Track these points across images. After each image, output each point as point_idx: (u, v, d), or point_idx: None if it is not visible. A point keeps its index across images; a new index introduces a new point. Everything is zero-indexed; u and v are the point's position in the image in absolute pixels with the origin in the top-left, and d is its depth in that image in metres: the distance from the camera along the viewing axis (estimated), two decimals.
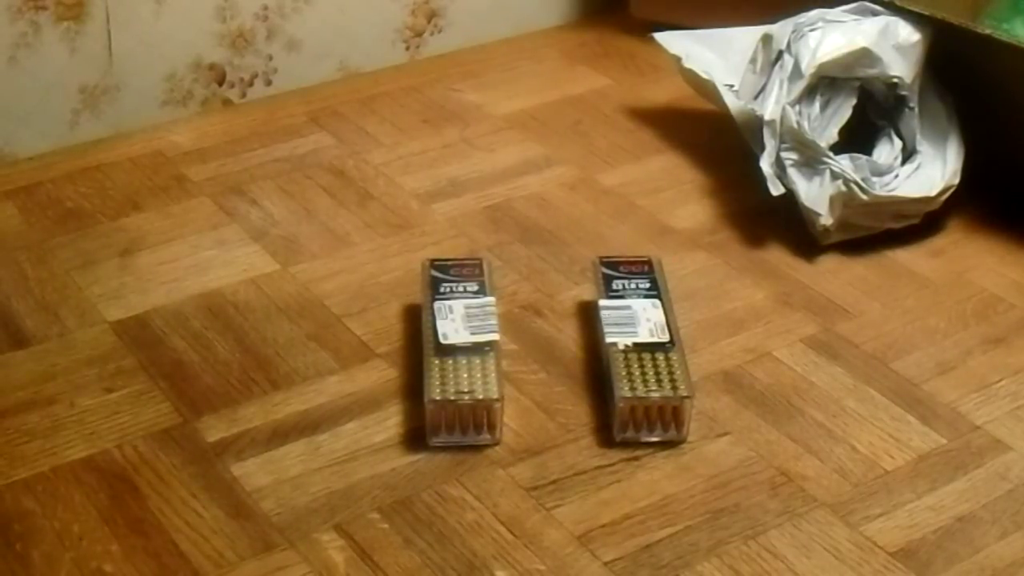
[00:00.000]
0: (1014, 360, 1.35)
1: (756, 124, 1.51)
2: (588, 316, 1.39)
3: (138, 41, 1.66)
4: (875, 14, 1.54)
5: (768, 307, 1.42)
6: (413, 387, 1.28)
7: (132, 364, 1.32)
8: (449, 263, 1.37)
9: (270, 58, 1.77)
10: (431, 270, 1.36)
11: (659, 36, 1.70)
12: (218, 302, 1.41)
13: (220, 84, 1.75)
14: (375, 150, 1.69)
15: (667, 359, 1.26)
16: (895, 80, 1.51)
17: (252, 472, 1.19)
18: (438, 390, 1.21)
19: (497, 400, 1.21)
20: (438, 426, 1.22)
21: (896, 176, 1.52)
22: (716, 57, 1.66)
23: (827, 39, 1.49)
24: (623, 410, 1.23)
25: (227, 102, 1.77)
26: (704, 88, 1.66)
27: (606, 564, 1.11)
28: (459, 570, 1.10)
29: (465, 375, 1.23)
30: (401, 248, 1.50)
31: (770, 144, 1.48)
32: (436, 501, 1.17)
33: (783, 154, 1.49)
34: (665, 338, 1.28)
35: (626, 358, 1.26)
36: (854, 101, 1.51)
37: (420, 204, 1.58)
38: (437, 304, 1.31)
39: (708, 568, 1.11)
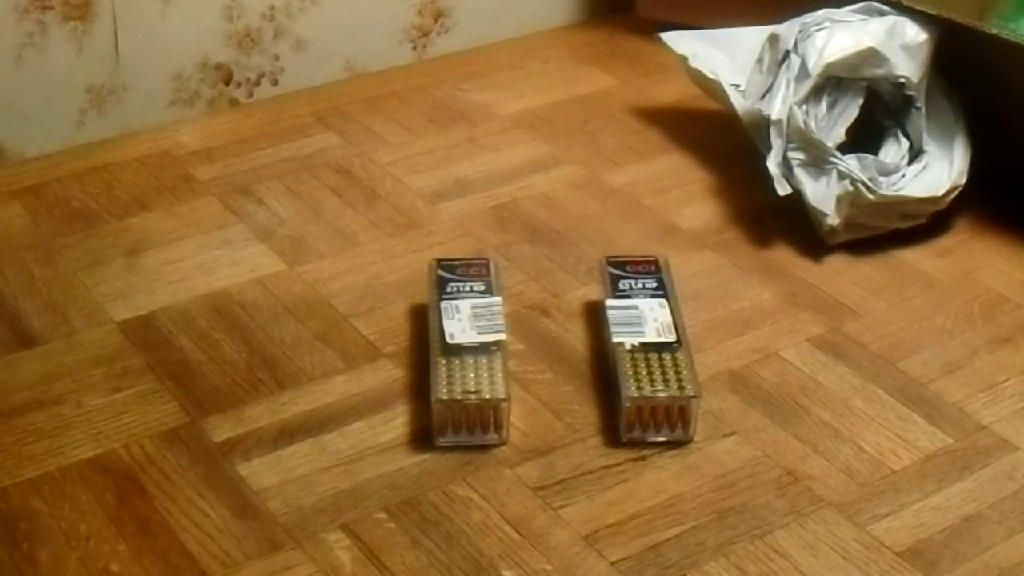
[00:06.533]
0: (1021, 360, 1.35)
1: (763, 124, 1.51)
2: (595, 316, 1.39)
3: (145, 41, 1.66)
4: (882, 14, 1.53)
5: (775, 307, 1.42)
6: (420, 387, 1.28)
7: (139, 364, 1.32)
8: (456, 263, 1.37)
9: (277, 58, 1.78)
10: (438, 270, 1.36)
11: (665, 36, 1.70)
12: (225, 302, 1.41)
13: (227, 84, 1.75)
14: (382, 150, 1.69)
15: (674, 359, 1.26)
16: (902, 80, 1.51)
17: (259, 472, 1.19)
18: (445, 390, 1.21)
19: (504, 400, 1.21)
20: (445, 426, 1.22)
21: (903, 176, 1.52)
22: (723, 57, 1.66)
23: (834, 39, 1.49)
24: (630, 410, 1.23)
25: (234, 102, 1.77)
26: (711, 88, 1.66)
27: (613, 564, 1.11)
28: (466, 570, 1.10)
29: (472, 375, 1.23)
30: (408, 248, 1.50)
31: (777, 144, 1.48)
32: (443, 501, 1.17)
33: (790, 154, 1.48)
34: (672, 338, 1.28)
35: (633, 358, 1.26)
36: (861, 101, 1.50)
37: (427, 204, 1.58)
38: (444, 304, 1.31)
39: (715, 568, 1.11)
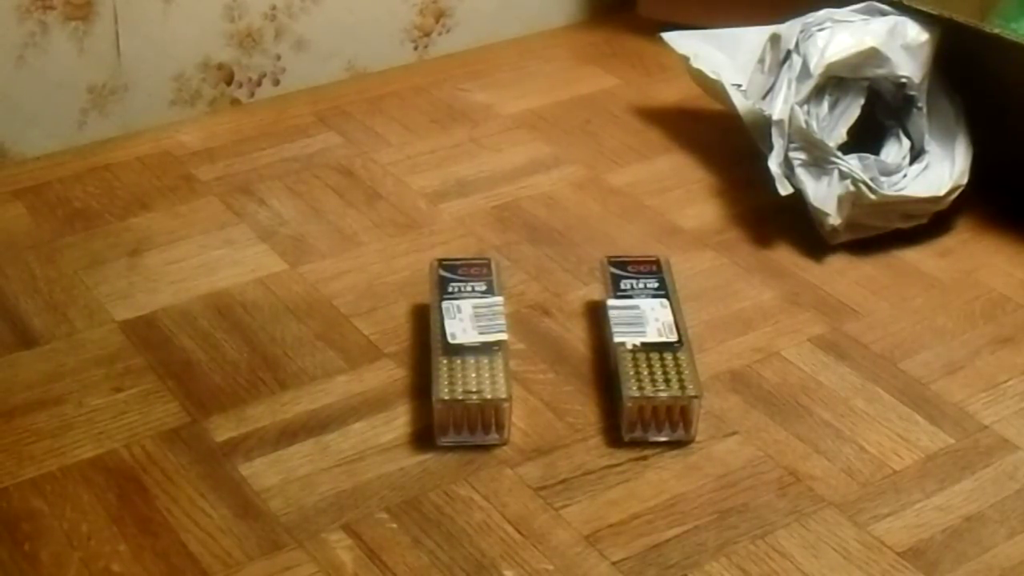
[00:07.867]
0: (1022, 360, 1.35)
1: (764, 124, 1.51)
2: (596, 316, 1.39)
3: (146, 41, 1.66)
4: (883, 14, 1.53)
5: (776, 307, 1.42)
6: (421, 387, 1.28)
7: (140, 364, 1.32)
8: (457, 263, 1.37)
9: (278, 58, 1.78)
10: (439, 270, 1.36)
11: (667, 36, 1.70)
12: (226, 302, 1.41)
13: (228, 84, 1.75)
14: (383, 150, 1.69)
15: (675, 359, 1.26)
16: (903, 80, 1.51)
17: (260, 472, 1.19)
18: (446, 390, 1.21)
19: (505, 400, 1.21)
20: (446, 426, 1.22)
21: (904, 176, 1.52)
22: (724, 57, 1.66)
23: (835, 39, 1.49)
24: (631, 410, 1.23)
25: (235, 102, 1.77)
26: (712, 88, 1.66)
27: (614, 564, 1.11)
28: (467, 570, 1.10)
29: (473, 375, 1.23)
30: (409, 248, 1.50)
31: (778, 144, 1.48)
32: (444, 501, 1.17)
33: (791, 154, 1.48)
34: (673, 338, 1.28)
35: (634, 358, 1.26)
36: (862, 101, 1.50)
37: (428, 204, 1.58)
38: (445, 304, 1.31)
39: (716, 568, 1.11)
